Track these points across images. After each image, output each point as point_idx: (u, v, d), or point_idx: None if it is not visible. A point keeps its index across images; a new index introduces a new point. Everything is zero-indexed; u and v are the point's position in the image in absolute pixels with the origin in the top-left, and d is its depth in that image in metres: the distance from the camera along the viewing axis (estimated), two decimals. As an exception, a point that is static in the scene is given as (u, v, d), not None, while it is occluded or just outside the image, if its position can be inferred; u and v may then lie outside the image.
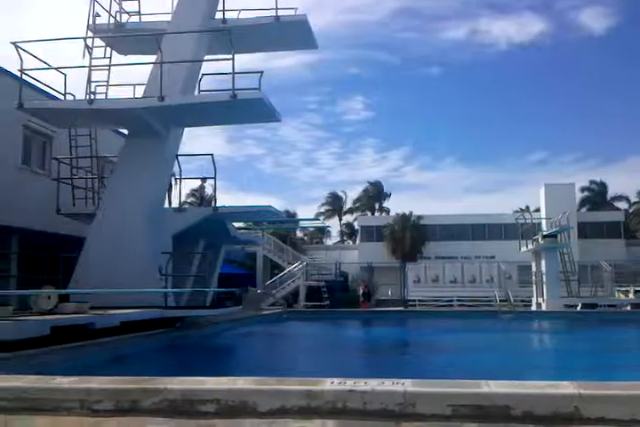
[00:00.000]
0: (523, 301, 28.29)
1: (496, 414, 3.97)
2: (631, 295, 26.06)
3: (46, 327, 8.49)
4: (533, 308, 26.96)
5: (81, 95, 14.57)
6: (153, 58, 15.15)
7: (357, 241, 48.05)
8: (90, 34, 15.91)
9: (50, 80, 14.95)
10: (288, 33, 16.40)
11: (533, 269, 27.84)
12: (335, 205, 61.99)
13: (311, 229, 59.24)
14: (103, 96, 14.86)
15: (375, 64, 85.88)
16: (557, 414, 3.95)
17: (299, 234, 55.95)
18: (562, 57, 77.70)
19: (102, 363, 8.81)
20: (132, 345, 10.43)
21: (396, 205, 75.05)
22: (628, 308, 25.34)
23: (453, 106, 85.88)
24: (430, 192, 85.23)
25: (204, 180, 17.80)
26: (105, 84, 15.04)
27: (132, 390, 4.27)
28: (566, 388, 4.16)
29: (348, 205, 61.71)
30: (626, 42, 74.55)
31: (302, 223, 45.50)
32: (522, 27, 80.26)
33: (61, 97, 14.84)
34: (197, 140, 74.32)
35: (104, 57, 15.52)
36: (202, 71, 15.68)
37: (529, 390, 4.16)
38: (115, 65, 15.28)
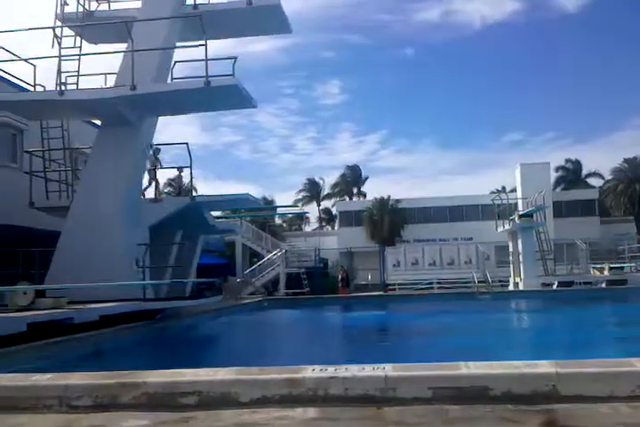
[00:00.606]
0: (500, 281, 28.64)
1: (475, 395, 4.02)
2: (606, 272, 26.54)
3: (23, 324, 8.38)
4: (511, 287, 27.32)
5: (51, 86, 14.31)
6: (124, 46, 14.88)
7: (336, 226, 48.13)
8: (58, 23, 15.56)
9: (19, 72, 14.67)
10: (261, 18, 16.18)
11: (510, 249, 28.16)
12: (313, 190, 61.96)
13: (290, 215, 59.23)
14: (74, 87, 14.59)
15: (350, 47, 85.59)
16: (536, 393, 4.01)
17: (277, 221, 55.88)
18: (536, 36, 78.05)
19: (82, 358, 8.74)
20: (112, 339, 10.36)
21: (374, 189, 75.39)
22: (604, 285, 25.81)
23: (429, 87, 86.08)
24: (407, 175, 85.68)
25: (180, 169, 17.63)
26: (75, 74, 14.76)
27: (111, 386, 4.24)
28: (544, 367, 4.22)
29: (326, 190, 61.77)
30: (599, 19, 75.02)
31: (281, 210, 45.33)
32: (495, 6, 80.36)
33: (31, 88, 14.54)
34: (171, 129, 73.54)
35: (74, 46, 15.22)
36: (174, 59, 15.46)
37: (507, 371, 4.21)
38: (85, 54, 14.99)
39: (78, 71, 14.76)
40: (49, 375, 4.53)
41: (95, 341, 9.86)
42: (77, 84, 14.75)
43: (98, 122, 16.34)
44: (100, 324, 10.14)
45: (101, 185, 14.05)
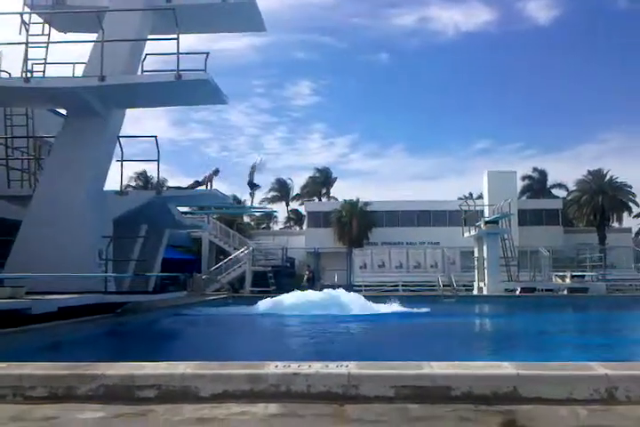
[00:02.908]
0: (465, 285, 28.98)
1: (437, 395, 4.03)
2: (568, 280, 27.08)
3: (-22, 313, 8.15)
4: (475, 292, 27.67)
5: (17, 74, 13.95)
6: (94, 36, 14.62)
7: (304, 227, 48.09)
8: (27, 9, 15.21)
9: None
10: (235, 14, 16.07)
11: (476, 254, 28.52)
12: (282, 191, 61.78)
13: (258, 214, 58.96)
14: (41, 75, 14.27)
15: (324, 49, 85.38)
16: (497, 394, 4.04)
17: (245, 219, 55.57)
18: (507, 46, 79.13)
19: (38, 350, 8.53)
20: (69, 331, 10.14)
21: (343, 191, 75.66)
22: (565, 292, 26.31)
23: (401, 93, 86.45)
24: (377, 179, 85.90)
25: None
26: (43, 62, 14.44)
27: (68, 377, 4.14)
28: (505, 369, 4.26)
29: (296, 191, 61.67)
30: (569, 32, 76.36)
31: (249, 207, 45.09)
32: (469, 16, 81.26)
33: (-4, 75, 14.21)
34: (139, 123, 72.21)
35: (42, 34, 14.90)
36: (145, 51, 15.22)
37: (469, 371, 4.24)
38: (53, 42, 14.69)
39: (45, 59, 14.48)
40: (3, 365, 4.41)
41: (52, 332, 9.65)
42: (44, 72, 14.47)
43: (64, 111, 16.01)
44: (59, 316, 9.91)
45: (65, 175, 13.78)
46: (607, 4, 71.99)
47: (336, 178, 60.07)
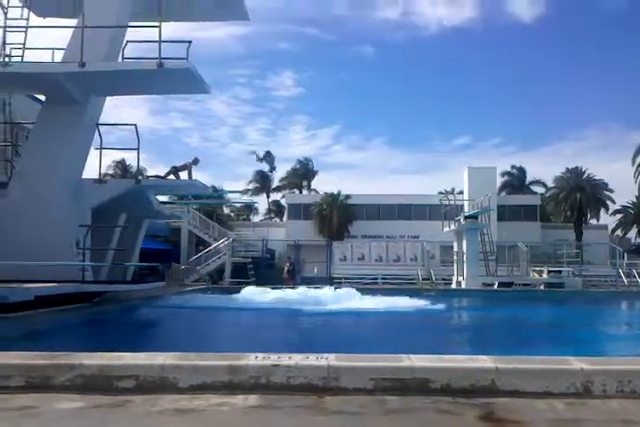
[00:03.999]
0: (444, 279, 29.17)
1: (416, 388, 4.06)
2: (545, 275, 27.40)
3: (-48, 301, 8.02)
4: (454, 286, 27.88)
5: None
6: (74, 22, 14.39)
7: (285, 219, 48.05)
8: (5, -8, 14.92)
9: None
10: (219, 3, 15.93)
11: (455, 248, 28.71)
12: (263, 182, 61.60)
13: (238, 205, 58.75)
14: (19, 60, 14.04)
15: (307, 40, 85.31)
16: (475, 387, 4.07)
17: (226, 210, 55.34)
18: (490, 43, 79.58)
19: (13, 339, 8.41)
20: (45, 320, 10.02)
21: (324, 183, 75.46)
22: (542, 287, 26.63)
23: (384, 87, 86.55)
24: (358, 172, 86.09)
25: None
26: (21, 46, 14.20)
27: (45, 366, 4.09)
28: (484, 362, 4.29)
29: (276, 183, 61.52)
30: (550, 29, 76.94)
31: (230, 197, 44.93)
32: (454, 11, 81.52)
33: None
34: (118, 111, 71.67)
35: (21, 18, 14.65)
36: (126, 38, 15.02)
37: (448, 364, 4.27)
38: (32, 27, 14.47)
39: (24, 44, 14.26)
40: (-23, 354, 4.33)
41: (28, 321, 9.52)
42: (22, 56, 14.23)
43: (42, 97, 15.77)
44: (35, 304, 9.79)
45: (42, 163, 13.62)
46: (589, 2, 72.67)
47: (317, 171, 60.11)
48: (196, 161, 20.53)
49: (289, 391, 3.99)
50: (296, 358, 4.22)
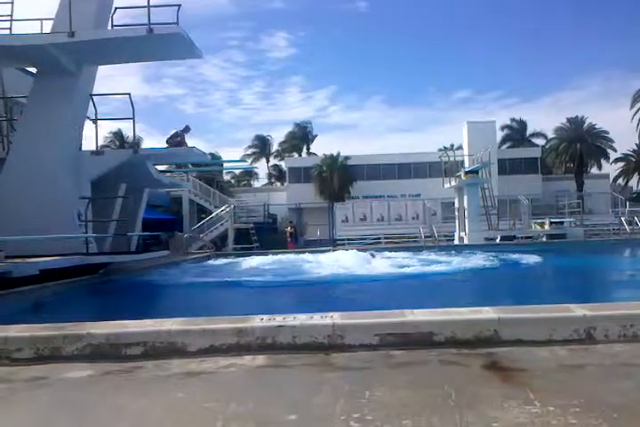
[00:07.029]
0: (446, 236, 29.29)
1: (421, 341, 4.11)
2: (546, 227, 27.48)
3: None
4: (456, 242, 27.99)
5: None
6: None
7: (286, 183, 47.96)
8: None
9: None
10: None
11: (456, 204, 28.71)
12: (262, 147, 61.22)
13: (238, 171, 58.51)
14: (7, 32, 13.77)
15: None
16: (478, 338, 4.13)
17: (226, 177, 55.18)
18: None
19: (21, 312, 8.51)
20: (52, 293, 10.11)
21: (323, 145, 75.16)
22: (544, 239, 26.74)
23: (379, 43, 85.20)
24: (356, 132, 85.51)
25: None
26: (9, 18, 13.91)
27: (53, 337, 4.14)
28: (486, 313, 4.34)
29: (275, 147, 61.13)
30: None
31: (228, 165, 44.67)
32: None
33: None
34: (111, 80, 70.77)
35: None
36: (115, 5, 14.69)
37: (451, 317, 4.31)
38: (18, -3, 14.11)
39: (12, 15, 13.94)
40: (-14, 328, 4.38)
41: (34, 295, 9.60)
42: (10, 28, 13.96)
43: (34, 70, 15.52)
44: (40, 278, 9.86)
45: (39, 136, 13.48)
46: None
47: (317, 135, 59.59)
48: (187, 129, 20.28)
49: (295, 351, 4.05)
50: (301, 318, 4.27)
